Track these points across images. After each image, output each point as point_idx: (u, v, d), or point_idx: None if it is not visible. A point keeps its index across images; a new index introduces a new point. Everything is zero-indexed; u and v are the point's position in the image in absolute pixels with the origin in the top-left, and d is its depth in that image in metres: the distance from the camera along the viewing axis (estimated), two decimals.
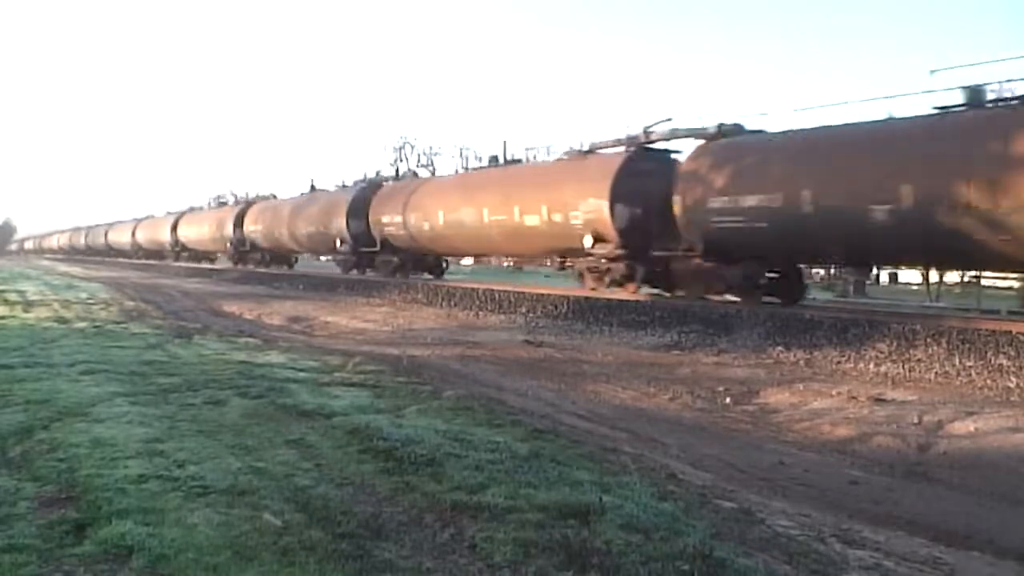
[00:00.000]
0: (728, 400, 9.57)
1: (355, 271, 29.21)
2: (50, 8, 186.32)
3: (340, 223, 28.71)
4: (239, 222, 39.18)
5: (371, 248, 27.20)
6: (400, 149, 67.85)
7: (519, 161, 25.10)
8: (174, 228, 49.69)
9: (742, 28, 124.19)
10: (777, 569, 3.65)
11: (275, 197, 40.59)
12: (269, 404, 6.86)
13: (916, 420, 8.16)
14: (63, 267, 55.60)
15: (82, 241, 77.65)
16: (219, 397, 7.08)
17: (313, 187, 36.77)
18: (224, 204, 48.32)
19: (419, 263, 26.94)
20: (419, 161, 66.11)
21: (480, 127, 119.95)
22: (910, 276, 36.63)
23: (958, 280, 26.46)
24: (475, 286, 21.36)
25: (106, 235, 67.80)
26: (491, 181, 22.68)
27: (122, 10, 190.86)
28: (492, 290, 20.18)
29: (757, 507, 4.90)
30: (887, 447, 7.54)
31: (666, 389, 10.09)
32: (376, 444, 5.42)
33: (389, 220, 25.77)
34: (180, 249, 49.75)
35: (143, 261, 55.41)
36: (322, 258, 45.50)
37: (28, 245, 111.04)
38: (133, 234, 58.76)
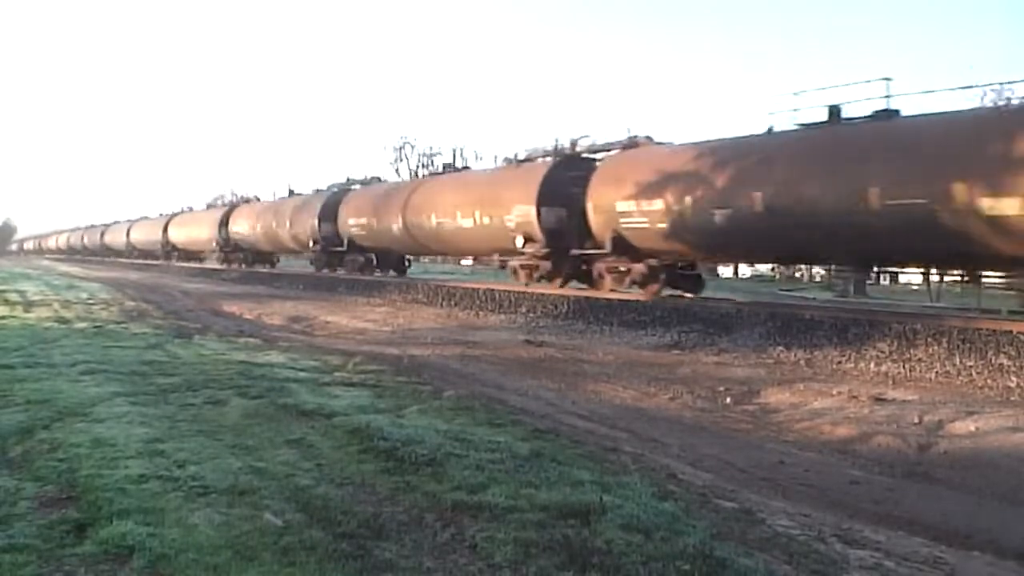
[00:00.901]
0: (728, 400, 9.57)
1: (544, 280, 20.33)
2: (50, 8, 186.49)
3: (524, 213, 19.59)
4: (329, 214, 29.71)
5: (592, 249, 18.61)
6: (400, 149, 67.89)
7: (895, 112, 14.00)
8: (224, 223, 40.88)
9: (742, 28, 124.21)
10: (777, 569, 3.65)
11: (380, 180, 32.57)
12: (269, 404, 6.86)
13: (917, 420, 8.16)
14: (63, 267, 55.58)
15: (96, 240, 69.89)
16: (219, 397, 7.09)
17: (453, 164, 28.49)
18: (294, 194, 38.27)
19: (671, 272, 17.93)
20: (419, 161, 66.14)
21: (479, 127, 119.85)
22: (910, 276, 36.43)
23: (958, 279, 26.41)
24: (475, 286, 21.36)
25: (128, 233, 60.03)
26: (870, 144, 13.40)
27: (122, 10, 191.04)
28: (492, 290, 20.17)
29: (757, 507, 4.89)
30: (887, 447, 7.54)
31: (666, 389, 10.09)
32: (377, 444, 5.42)
33: (632, 208, 16.98)
34: (231, 249, 40.96)
35: (179, 264, 48.61)
36: (463, 261, 35.77)
37: (28, 245, 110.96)
38: (164, 231, 51.05)
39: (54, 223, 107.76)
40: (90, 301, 20.46)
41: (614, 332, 15.02)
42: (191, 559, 3.41)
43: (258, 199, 42.84)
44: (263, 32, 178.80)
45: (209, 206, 52.57)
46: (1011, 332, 10.65)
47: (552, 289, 19.44)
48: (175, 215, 53.15)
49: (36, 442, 5.34)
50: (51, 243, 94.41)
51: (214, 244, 42.23)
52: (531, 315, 17.66)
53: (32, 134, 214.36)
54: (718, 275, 34.65)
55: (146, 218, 61.10)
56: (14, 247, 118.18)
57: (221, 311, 20.86)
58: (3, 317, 14.74)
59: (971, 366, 10.28)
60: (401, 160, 66.96)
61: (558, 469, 5.02)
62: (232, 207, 42.91)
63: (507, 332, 15.64)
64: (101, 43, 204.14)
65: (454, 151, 45.49)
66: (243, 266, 39.12)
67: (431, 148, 66.91)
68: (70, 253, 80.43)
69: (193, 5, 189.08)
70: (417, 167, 63.92)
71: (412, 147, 68.00)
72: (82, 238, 77.34)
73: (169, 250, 51.38)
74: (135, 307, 19.30)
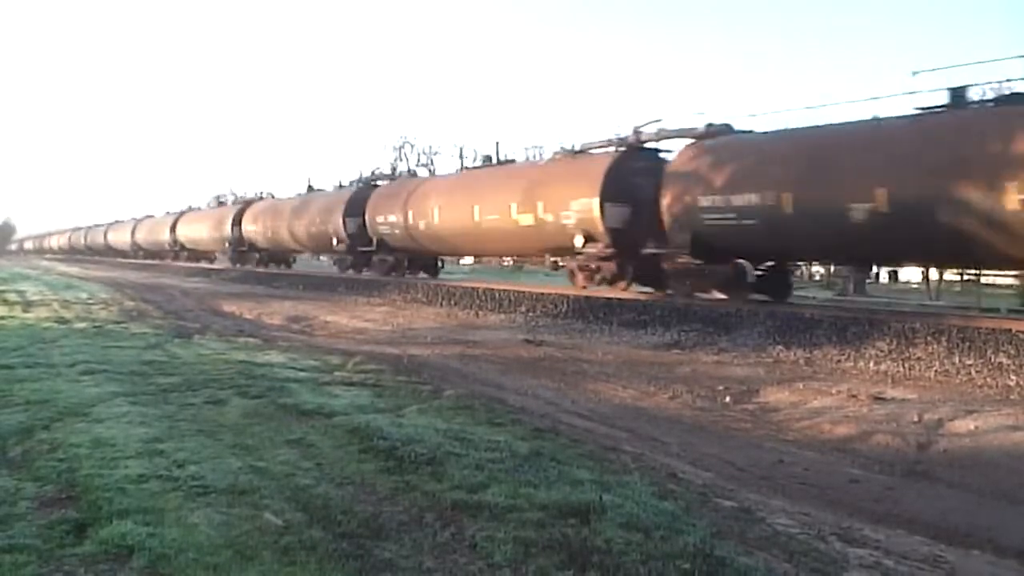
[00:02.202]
0: (728, 399, 9.57)
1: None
2: (50, 8, 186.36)
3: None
4: (635, 188, 17.46)
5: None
6: (400, 149, 67.85)
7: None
8: (354, 211, 28.38)
9: (742, 28, 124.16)
10: (777, 568, 3.66)
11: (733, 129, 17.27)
12: (269, 404, 6.86)
13: (916, 418, 8.16)
14: (63, 267, 55.53)
15: (125, 238, 60.64)
16: (219, 397, 7.08)
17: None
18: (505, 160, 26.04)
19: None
20: (419, 161, 66.12)
21: (479, 127, 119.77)
22: (910, 274, 36.59)
23: (958, 278, 26.44)
24: (475, 285, 21.36)
25: (173, 228, 49.79)
26: None
27: (122, 10, 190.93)
28: (492, 289, 20.17)
29: (757, 506, 4.90)
30: (887, 445, 7.55)
31: (666, 388, 10.08)
32: (376, 443, 5.42)
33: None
34: (374, 248, 27.56)
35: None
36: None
37: (28, 245, 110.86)
38: (236, 225, 39.56)
39: (54, 223, 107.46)
40: (89, 301, 20.44)
41: (614, 331, 15.01)
42: (191, 559, 3.41)
43: (413, 173, 35.10)
44: (262, 32, 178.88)
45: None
46: (1010, 331, 10.65)
47: (551, 289, 19.43)
48: (249, 203, 41.25)
49: (36, 442, 5.34)
50: (52, 243, 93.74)
51: (335, 241, 30.26)
52: (531, 314, 17.65)
53: (32, 134, 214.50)
54: None
55: (194, 209, 50.95)
56: (13, 247, 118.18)
57: (221, 311, 20.85)
58: (2, 317, 14.73)
59: (970, 365, 10.27)
60: (401, 160, 66.94)
61: (558, 468, 5.03)
62: (369, 186, 30.61)
63: (507, 331, 15.64)
64: (101, 43, 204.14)
65: (461, 149, 44.75)
66: (393, 273, 27.14)
67: (431, 148, 66.85)
68: (88, 253, 73.04)
69: (193, 5, 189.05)
70: (416, 166, 63.86)
71: (412, 146, 67.95)
72: (104, 235, 68.19)
73: (244, 250, 39.68)
74: (134, 307, 19.29)
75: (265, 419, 6.27)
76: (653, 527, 3.96)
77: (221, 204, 48.24)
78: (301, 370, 9.06)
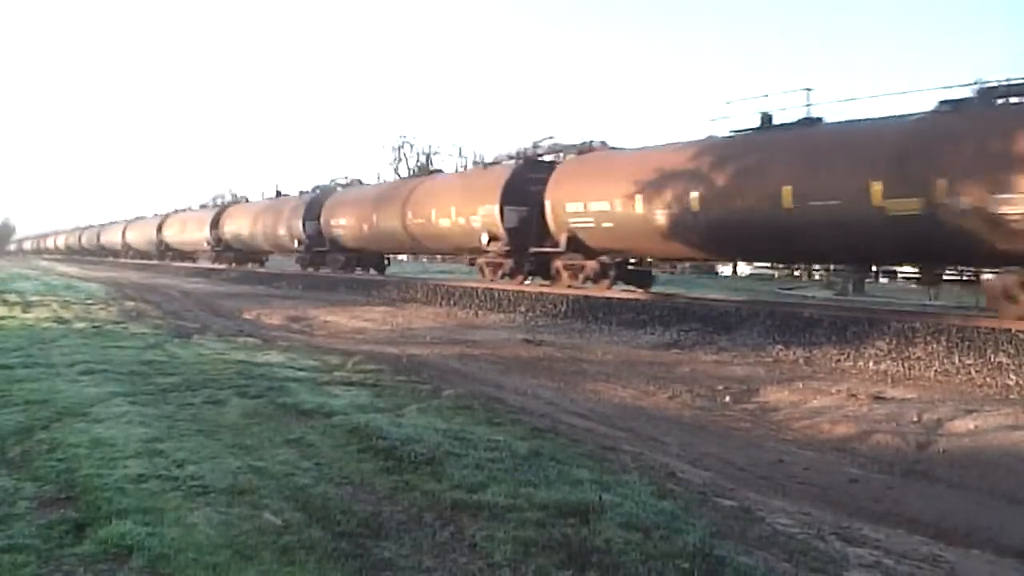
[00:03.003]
0: (728, 398, 9.57)
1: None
2: (50, 8, 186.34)
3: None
4: None
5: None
6: (399, 149, 67.79)
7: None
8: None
9: (742, 28, 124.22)
10: (777, 567, 3.65)
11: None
12: (268, 403, 6.86)
13: (916, 418, 8.16)
14: (62, 267, 55.47)
15: (149, 236, 53.24)
16: (218, 397, 7.08)
17: None
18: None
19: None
20: (418, 161, 66.08)
21: (479, 127, 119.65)
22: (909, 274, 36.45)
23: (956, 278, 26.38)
24: (474, 285, 21.35)
25: (215, 225, 41.10)
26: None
27: (121, 10, 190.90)
28: (491, 289, 20.17)
29: (757, 505, 4.90)
30: (887, 445, 7.55)
31: (665, 388, 10.08)
32: (376, 443, 5.41)
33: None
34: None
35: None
36: None
37: (27, 246, 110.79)
38: (313, 219, 31.45)
39: (53, 223, 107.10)
40: (89, 301, 20.41)
41: (613, 331, 15.02)
42: (190, 558, 3.41)
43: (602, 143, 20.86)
44: (261, 32, 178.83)
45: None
46: (1010, 330, 10.65)
47: (551, 289, 19.44)
48: (329, 192, 32.99)
49: (35, 442, 5.33)
50: (53, 243, 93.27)
51: (484, 239, 21.57)
52: (530, 314, 17.66)
53: (31, 134, 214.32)
54: (717, 274, 34.66)
55: (239, 201, 42.36)
56: (13, 247, 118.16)
57: (220, 311, 20.84)
58: (2, 317, 14.71)
59: (970, 364, 10.27)
60: (400, 160, 66.92)
61: (557, 468, 5.02)
62: (537, 162, 21.71)
63: (506, 331, 15.64)
64: (100, 44, 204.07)
65: (460, 149, 43.33)
66: (589, 283, 19.09)
67: (430, 148, 66.74)
68: (102, 254, 66.48)
69: (192, 5, 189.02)
70: (416, 167, 63.79)
71: (411, 146, 67.85)
72: (123, 233, 60.86)
73: (323, 250, 31.65)
74: (134, 307, 19.27)
75: (264, 419, 6.27)
76: (653, 527, 3.95)
77: (280, 196, 38.97)
78: (300, 370, 9.06)
